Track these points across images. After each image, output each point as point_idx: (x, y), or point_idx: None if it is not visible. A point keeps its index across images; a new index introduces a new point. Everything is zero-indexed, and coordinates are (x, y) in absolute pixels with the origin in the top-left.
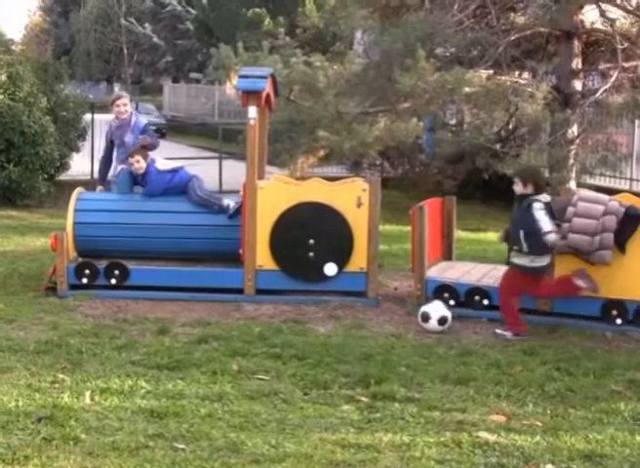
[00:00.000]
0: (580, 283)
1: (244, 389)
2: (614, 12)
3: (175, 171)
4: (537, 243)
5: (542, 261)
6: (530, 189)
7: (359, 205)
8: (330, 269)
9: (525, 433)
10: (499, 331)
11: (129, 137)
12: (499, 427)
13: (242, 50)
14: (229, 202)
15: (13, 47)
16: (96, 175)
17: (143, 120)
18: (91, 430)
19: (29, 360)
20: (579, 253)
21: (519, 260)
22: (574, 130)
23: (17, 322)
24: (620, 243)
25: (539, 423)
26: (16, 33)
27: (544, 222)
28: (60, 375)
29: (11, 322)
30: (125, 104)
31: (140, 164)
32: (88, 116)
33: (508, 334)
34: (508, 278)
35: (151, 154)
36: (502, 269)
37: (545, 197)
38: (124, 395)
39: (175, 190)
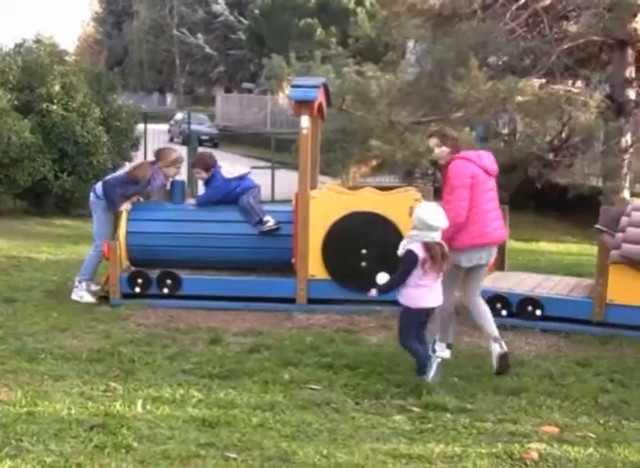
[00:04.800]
0: None
1: (296, 399)
2: None
3: (241, 178)
4: None
5: None
6: None
7: (412, 214)
8: (382, 279)
9: (578, 445)
10: None
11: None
12: (551, 438)
13: (294, 60)
14: (271, 219)
15: (66, 58)
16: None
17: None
18: (142, 438)
19: (82, 368)
20: (633, 264)
21: None
22: (627, 138)
23: (70, 330)
24: None
25: (592, 435)
26: (69, 44)
27: None
28: (113, 384)
29: (64, 330)
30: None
31: (200, 175)
32: (141, 126)
33: None
34: None
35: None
36: (556, 279)
37: None
38: (176, 404)
39: (237, 198)
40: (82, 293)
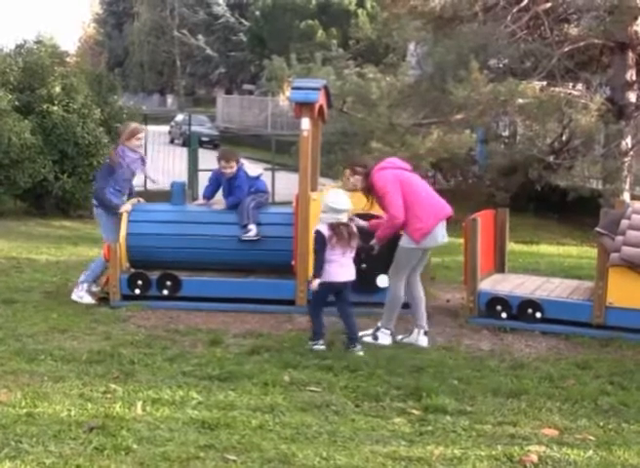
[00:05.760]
0: None
1: (295, 401)
2: None
3: (256, 178)
4: None
5: None
6: None
7: None
8: (382, 281)
9: (578, 447)
10: None
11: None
12: (551, 441)
13: (295, 61)
14: (254, 229)
15: (67, 59)
16: (149, 186)
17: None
18: (142, 440)
19: (82, 370)
20: (633, 266)
21: None
22: (627, 141)
23: (69, 332)
24: None
25: (591, 437)
26: (70, 45)
27: None
28: (112, 385)
29: (64, 332)
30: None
31: (232, 170)
32: None
33: None
34: None
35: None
36: (556, 282)
37: None
38: (175, 405)
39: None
40: (82, 294)
